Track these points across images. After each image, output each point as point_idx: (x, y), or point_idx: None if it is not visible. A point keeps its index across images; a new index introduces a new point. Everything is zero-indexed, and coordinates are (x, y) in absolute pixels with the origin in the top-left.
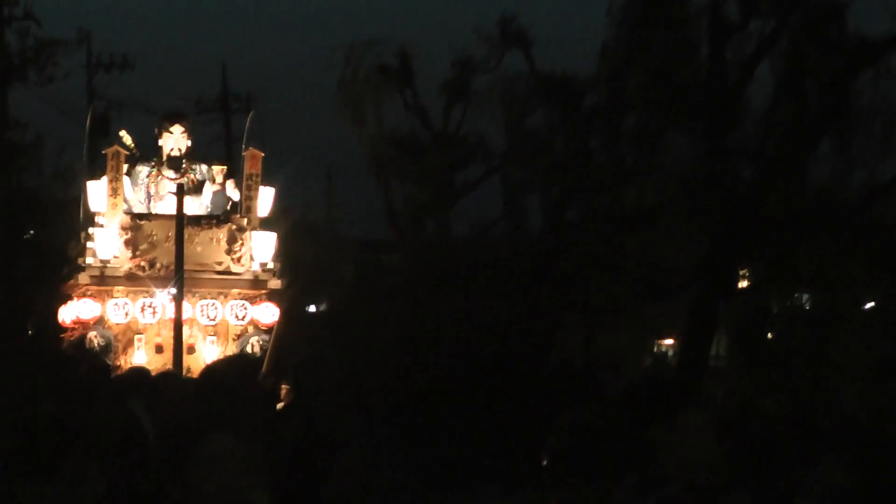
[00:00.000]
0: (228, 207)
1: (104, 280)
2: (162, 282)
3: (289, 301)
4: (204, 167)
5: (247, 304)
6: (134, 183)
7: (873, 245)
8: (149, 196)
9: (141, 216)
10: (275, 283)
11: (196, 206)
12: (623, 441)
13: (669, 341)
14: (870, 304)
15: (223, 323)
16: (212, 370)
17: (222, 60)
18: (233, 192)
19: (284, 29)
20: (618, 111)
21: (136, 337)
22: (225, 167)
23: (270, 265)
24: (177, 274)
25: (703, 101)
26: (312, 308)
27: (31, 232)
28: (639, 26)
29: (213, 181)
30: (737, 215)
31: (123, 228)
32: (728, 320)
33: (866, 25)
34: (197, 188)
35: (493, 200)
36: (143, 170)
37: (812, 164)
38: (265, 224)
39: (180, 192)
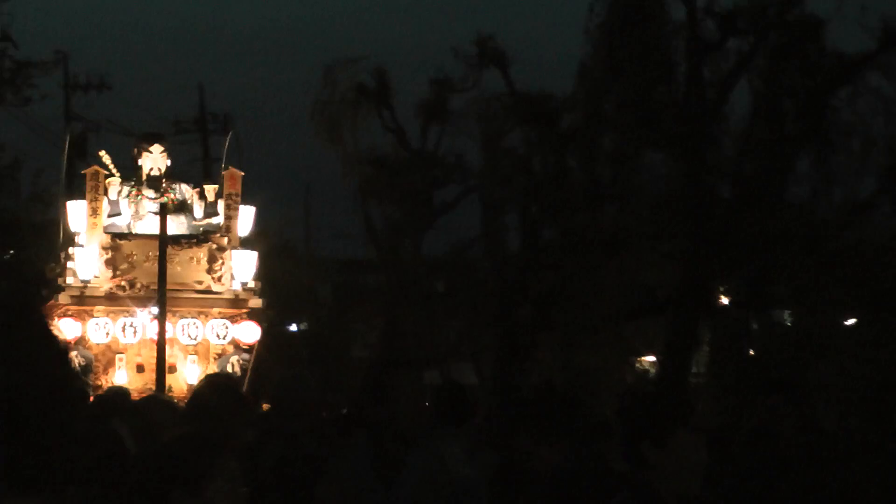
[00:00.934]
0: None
1: (84, 300)
2: (142, 301)
3: (268, 321)
4: (184, 186)
5: (228, 322)
6: (113, 203)
7: (852, 263)
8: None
9: (121, 236)
10: (255, 302)
11: (176, 225)
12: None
13: (651, 358)
14: (849, 322)
15: (204, 342)
16: (198, 394)
17: (199, 82)
18: (222, 211)
19: (261, 50)
20: (595, 131)
21: (117, 356)
22: (216, 186)
23: (251, 284)
24: (159, 293)
25: (681, 120)
26: (293, 327)
27: (11, 253)
28: (616, 45)
29: (206, 200)
30: (715, 234)
31: (103, 248)
32: (709, 338)
33: (844, 43)
34: (178, 208)
35: (472, 219)
36: (122, 190)
37: (791, 183)
38: (245, 243)
39: (163, 212)
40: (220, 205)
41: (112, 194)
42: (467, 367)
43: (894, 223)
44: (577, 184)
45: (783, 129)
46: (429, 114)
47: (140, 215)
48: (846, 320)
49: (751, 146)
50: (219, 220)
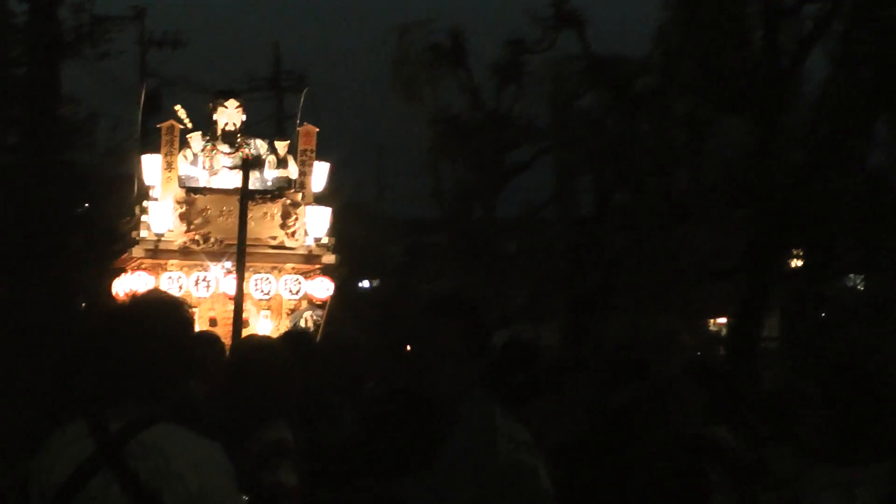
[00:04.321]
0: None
1: (158, 254)
2: (216, 256)
3: (340, 278)
4: (259, 142)
5: (300, 278)
6: (194, 158)
7: None
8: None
9: (195, 190)
10: (329, 258)
11: (250, 181)
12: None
13: (723, 320)
14: None
15: (277, 297)
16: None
17: (275, 40)
18: (293, 169)
19: (337, 10)
20: (670, 95)
21: (190, 311)
22: (288, 142)
23: (324, 240)
24: (238, 248)
25: (756, 85)
26: (364, 284)
27: (87, 206)
28: (693, 9)
29: (277, 156)
30: (787, 199)
31: (178, 202)
32: (780, 303)
33: None
34: (253, 163)
35: (544, 182)
36: (197, 144)
37: (866, 150)
38: (319, 199)
39: (246, 167)
40: (291, 161)
41: (196, 147)
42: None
43: None
44: (649, 147)
45: (859, 95)
46: (503, 75)
47: (215, 170)
48: None
49: (826, 112)
50: (291, 175)
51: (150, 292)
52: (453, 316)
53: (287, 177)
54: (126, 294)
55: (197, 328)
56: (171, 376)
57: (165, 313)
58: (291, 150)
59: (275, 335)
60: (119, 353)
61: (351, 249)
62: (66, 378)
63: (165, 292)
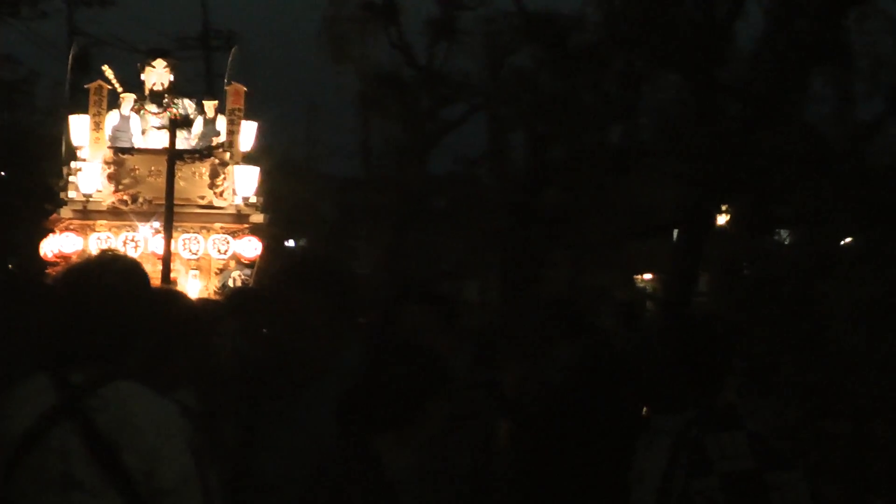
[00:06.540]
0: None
1: (87, 214)
2: (144, 216)
3: (270, 237)
4: (187, 101)
5: (229, 238)
6: (123, 119)
7: (858, 183)
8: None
9: (124, 150)
10: (257, 218)
11: (179, 141)
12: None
13: (648, 276)
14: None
15: (205, 257)
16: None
17: None
18: (222, 128)
19: None
20: (605, 49)
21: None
22: (216, 101)
23: (253, 199)
24: (166, 208)
25: (692, 38)
26: (291, 243)
27: (25, 165)
28: None
29: (205, 115)
30: (723, 154)
31: (106, 163)
32: (711, 258)
33: None
34: (181, 123)
35: (478, 138)
36: (127, 106)
37: (801, 104)
38: (248, 159)
39: (173, 127)
40: (221, 120)
41: (125, 110)
42: (472, 286)
43: None
44: (585, 103)
45: (794, 49)
46: (436, 31)
47: (143, 130)
48: (846, 239)
49: (761, 66)
50: (220, 135)
51: (107, 252)
52: (309, 287)
53: (215, 136)
54: (55, 255)
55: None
56: (130, 334)
57: (124, 273)
58: (220, 109)
59: (203, 294)
60: (80, 311)
61: (281, 208)
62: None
63: (122, 253)
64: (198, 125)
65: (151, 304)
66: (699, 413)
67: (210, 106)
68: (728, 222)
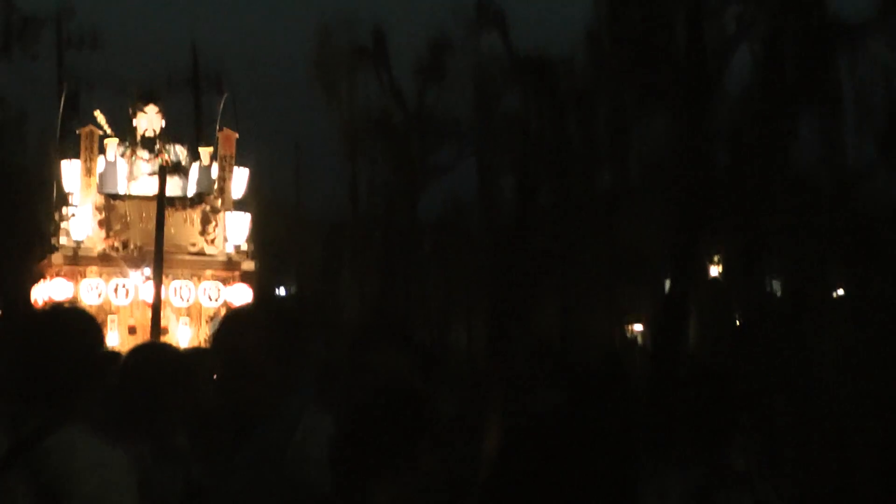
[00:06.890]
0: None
1: (77, 260)
2: (135, 263)
3: (259, 283)
4: (178, 147)
5: (220, 285)
6: (111, 164)
7: (848, 233)
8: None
9: (115, 197)
10: (248, 265)
11: (171, 187)
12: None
13: (639, 327)
14: (840, 292)
15: (196, 304)
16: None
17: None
18: (215, 175)
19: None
20: (596, 95)
21: (109, 318)
22: (212, 148)
23: (244, 247)
24: (156, 255)
25: (681, 84)
26: (281, 291)
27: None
28: (619, 11)
29: (201, 162)
30: (710, 200)
31: (97, 208)
32: (698, 305)
33: (845, 8)
34: (172, 169)
35: (468, 182)
36: (112, 151)
37: (789, 151)
38: (238, 205)
39: (163, 173)
40: (215, 167)
41: (110, 155)
42: (460, 329)
43: (892, 191)
44: (574, 147)
45: (783, 96)
46: (426, 75)
47: (134, 176)
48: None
49: (750, 113)
50: (212, 182)
51: (65, 304)
52: (256, 327)
53: (209, 183)
54: (45, 301)
55: (117, 335)
56: (79, 384)
57: (75, 321)
58: (213, 155)
59: (194, 343)
60: (32, 357)
61: (270, 252)
62: None
63: (80, 305)
64: (193, 172)
65: (101, 352)
66: (708, 473)
67: (206, 153)
68: (720, 273)
